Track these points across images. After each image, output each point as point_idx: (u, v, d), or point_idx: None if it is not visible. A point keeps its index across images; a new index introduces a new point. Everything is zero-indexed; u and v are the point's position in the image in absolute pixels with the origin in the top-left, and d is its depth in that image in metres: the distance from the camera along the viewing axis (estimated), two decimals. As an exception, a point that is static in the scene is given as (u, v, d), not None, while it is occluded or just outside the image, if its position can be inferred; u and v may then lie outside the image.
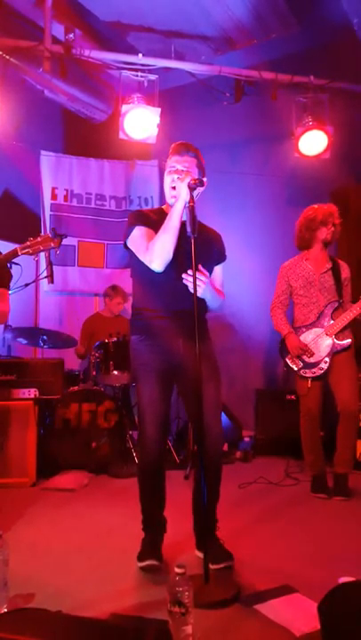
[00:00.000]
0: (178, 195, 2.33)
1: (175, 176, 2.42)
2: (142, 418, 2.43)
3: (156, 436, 2.42)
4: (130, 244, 2.47)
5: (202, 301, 2.49)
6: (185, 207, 2.29)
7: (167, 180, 2.48)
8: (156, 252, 2.33)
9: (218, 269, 2.61)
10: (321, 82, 4.72)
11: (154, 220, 2.44)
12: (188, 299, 2.25)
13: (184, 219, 2.31)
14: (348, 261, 3.78)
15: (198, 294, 2.28)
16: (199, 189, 2.34)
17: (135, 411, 5.00)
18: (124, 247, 2.53)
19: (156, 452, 2.44)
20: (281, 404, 4.75)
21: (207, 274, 2.36)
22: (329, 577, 2.01)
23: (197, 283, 2.25)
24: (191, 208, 2.25)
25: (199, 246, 2.26)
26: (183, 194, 2.29)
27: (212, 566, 2.22)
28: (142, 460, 2.51)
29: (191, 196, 2.27)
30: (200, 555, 2.40)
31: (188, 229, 2.23)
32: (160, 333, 2.42)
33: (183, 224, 2.32)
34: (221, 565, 2.33)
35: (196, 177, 2.35)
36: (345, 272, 3.66)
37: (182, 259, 2.33)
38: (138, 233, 2.43)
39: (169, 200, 2.49)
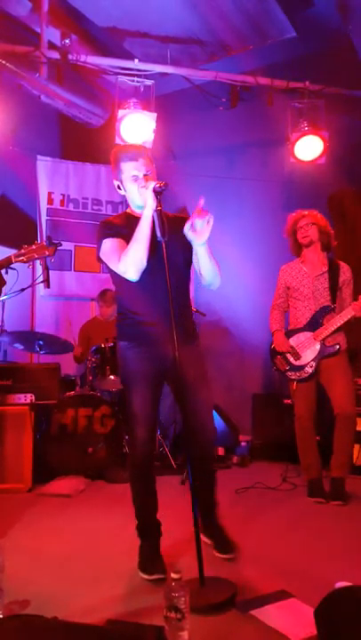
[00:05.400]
0: (144, 202, 2.33)
1: (143, 183, 2.40)
2: (134, 421, 2.45)
3: (148, 439, 2.45)
4: (102, 256, 2.48)
5: (186, 303, 2.55)
6: (153, 212, 2.29)
7: (133, 188, 2.46)
8: (129, 262, 2.33)
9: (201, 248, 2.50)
10: (316, 87, 4.75)
11: (121, 227, 2.45)
12: (168, 302, 2.23)
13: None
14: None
15: (203, 237, 2.29)
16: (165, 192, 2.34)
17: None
18: (97, 260, 2.54)
19: (148, 453, 2.47)
20: (278, 409, 4.74)
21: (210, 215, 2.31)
22: (326, 582, 2.00)
23: (205, 222, 2.27)
24: (159, 212, 2.27)
25: (174, 240, 2.30)
26: (150, 201, 2.29)
27: (219, 555, 2.47)
28: (134, 462, 2.51)
29: (158, 201, 2.28)
30: (206, 540, 2.53)
31: (158, 234, 2.25)
32: (146, 339, 2.44)
33: (153, 228, 2.31)
34: (228, 556, 2.47)
35: (161, 181, 2.33)
36: (345, 274, 3.64)
37: (157, 262, 2.30)
38: (108, 245, 2.44)
39: (138, 202, 2.47)
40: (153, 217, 2.29)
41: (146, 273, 2.35)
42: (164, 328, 2.30)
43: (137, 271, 2.34)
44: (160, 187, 2.27)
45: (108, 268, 2.50)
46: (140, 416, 2.43)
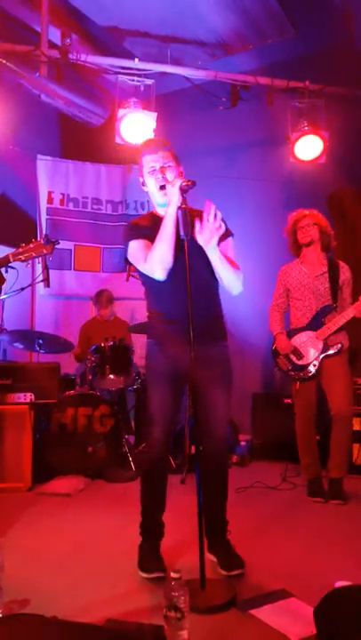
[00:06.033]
0: (169, 199, 2.29)
1: (159, 175, 2.37)
2: (151, 420, 2.44)
3: (164, 439, 2.43)
4: (130, 258, 2.48)
5: (214, 300, 2.51)
6: (178, 210, 2.25)
7: (151, 181, 2.43)
8: (155, 261, 2.32)
9: (225, 244, 2.46)
10: (317, 87, 4.75)
11: (146, 228, 2.44)
12: (195, 301, 2.21)
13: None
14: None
15: (210, 245, 2.26)
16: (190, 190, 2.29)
17: (132, 415, 5.01)
18: (125, 263, 2.54)
19: (162, 453, 2.46)
20: (278, 409, 4.75)
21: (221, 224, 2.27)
22: (325, 581, 2.00)
23: (211, 229, 2.23)
24: (184, 210, 2.23)
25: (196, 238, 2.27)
26: (175, 198, 2.26)
27: (223, 572, 2.31)
28: (148, 461, 2.52)
29: (183, 198, 2.25)
30: (212, 558, 2.41)
31: (182, 232, 2.22)
32: (171, 338, 2.40)
33: (178, 226, 2.28)
34: (233, 573, 2.32)
35: (188, 179, 2.28)
36: (344, 274, 3.64)
37: (180, 261, 2.28)
38: (134, 247, 2.43)
39: (160, 200, 2.43)
40: (178, 215, 2.25)
41: (171, 271, 2.33)
42: (186, 327, 2.25)
43: (163, 270, 2.32)
44: (187, 185, 2.24)
45: (136, 269, 2.50)
46: (157, 417, 2.42)
